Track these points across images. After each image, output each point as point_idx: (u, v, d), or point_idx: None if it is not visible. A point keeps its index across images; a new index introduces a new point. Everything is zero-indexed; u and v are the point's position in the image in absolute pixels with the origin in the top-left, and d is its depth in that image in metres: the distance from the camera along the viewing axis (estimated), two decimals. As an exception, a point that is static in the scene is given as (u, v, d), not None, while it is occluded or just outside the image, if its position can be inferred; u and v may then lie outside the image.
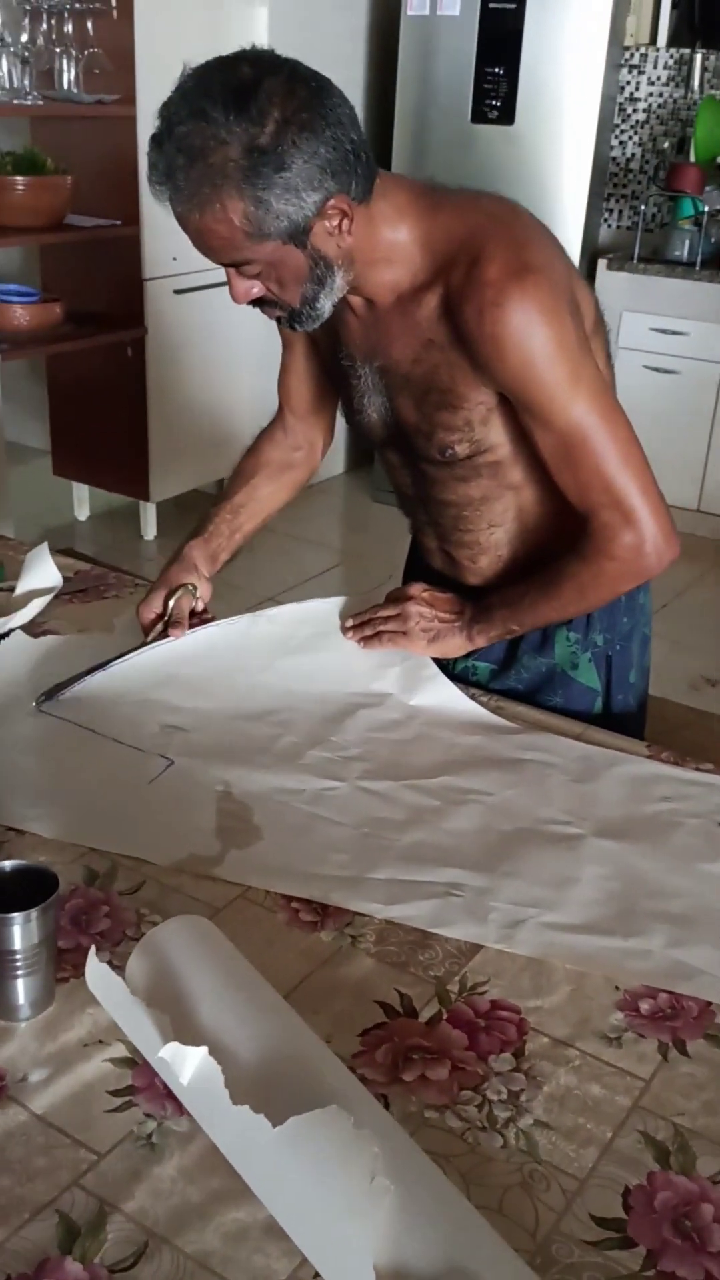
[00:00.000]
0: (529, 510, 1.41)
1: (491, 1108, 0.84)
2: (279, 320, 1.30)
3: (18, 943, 0.87)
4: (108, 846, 1.11)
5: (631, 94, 4.41)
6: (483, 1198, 0.77)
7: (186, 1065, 0.77)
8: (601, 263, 4.21)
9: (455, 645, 1.43)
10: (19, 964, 0.88)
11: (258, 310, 1.28)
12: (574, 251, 4.08)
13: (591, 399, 1.24)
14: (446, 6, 3.95)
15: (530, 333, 1.19)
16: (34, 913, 0.87)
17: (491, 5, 3.88)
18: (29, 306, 3.52)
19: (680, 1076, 0.88)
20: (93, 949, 0.88)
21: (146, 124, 3.55)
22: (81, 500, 4.20)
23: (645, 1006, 0.95)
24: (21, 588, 1.54)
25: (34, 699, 1.33)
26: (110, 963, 0.95)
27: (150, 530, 4.03)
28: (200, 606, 1.48)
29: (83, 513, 4.21)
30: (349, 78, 4.26)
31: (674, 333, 4.13)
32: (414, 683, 1.40)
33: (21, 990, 0.89)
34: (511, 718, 1.37)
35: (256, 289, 1.22)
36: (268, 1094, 0.76)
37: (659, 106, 4.39)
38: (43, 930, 0.88)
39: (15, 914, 0.86)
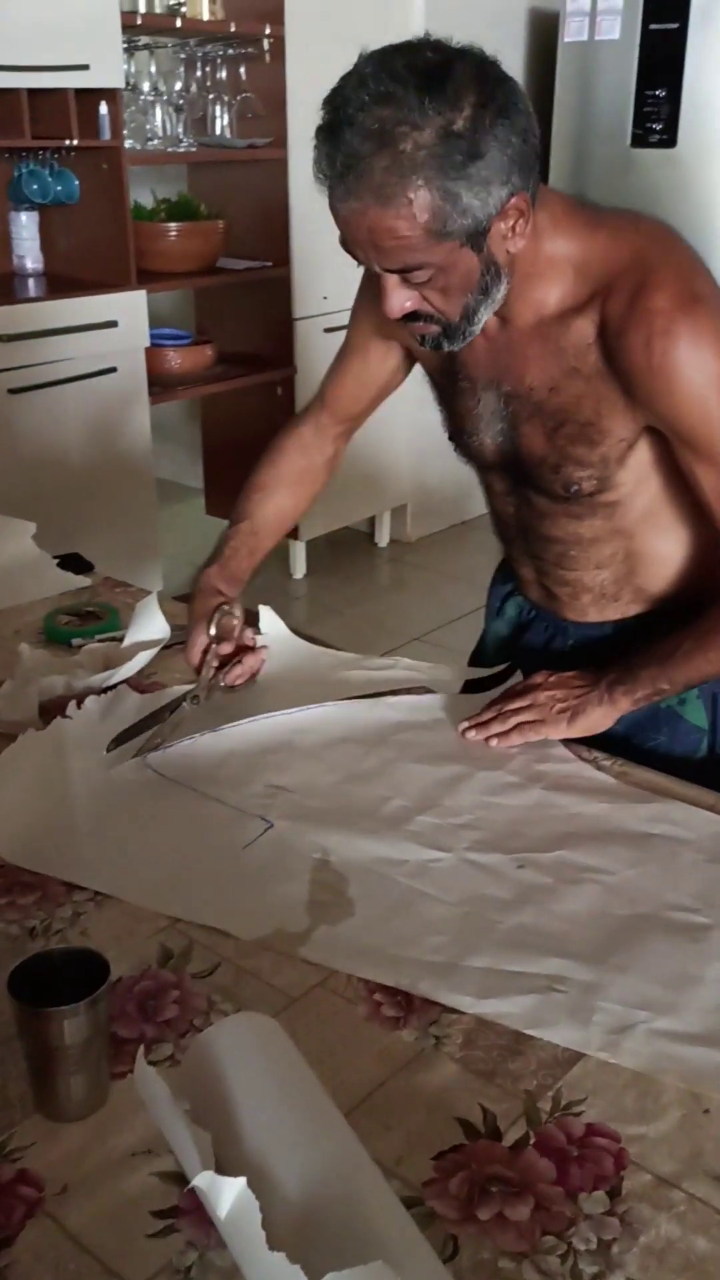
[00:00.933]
0: (637, 556, 1.33)
1: (577, 1259, 0.73)
2: (423, 339, 1.21)
3: (66, 1038, 0.81)
4: (191, 915, 1.04)
5: None
6: None
7: (223, 1197, 0.68)
8: (771, 286, 4.00)
9: (599, 716, 1.28)
10: (68, 1060, 0.82)
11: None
12: (741, 275, 3.89)
13: None
14: (606, 31, 3.84)
15: (702, 365, 1.13)
16: (82, 1006, 0.80)
17: (653, 27, 3.76)
18: (181, 349, 3.55)
19: None
20: (141, 1051, 0.81)
21: (298, 165, 3.58)
22: (233, 540, 4.21)
23: (772, 1139, 0.82)
24: (129, 639, 1.50)
25: (136, 751, 1.28)
26: (172, 1056, 0.89)
27: (300, 569, 4.01)
28: (239, 629, 1.41)
29: (235, 552, 4.22)
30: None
31: None
32: (538, 753, 1.29)
33: (71, 1089, 0.82)
34: (638, 784, 1.25)
35: (413, 301, 1.14)
36: (311, 1237, 0.67)
37: None
38: (93, 1024, 0.81)
39: (63, 1008, 0.80)
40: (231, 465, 4.03)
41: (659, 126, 3.84)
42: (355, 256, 1.13)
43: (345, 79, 1.06)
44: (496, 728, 1.29)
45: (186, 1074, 0.83)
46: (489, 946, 1.00)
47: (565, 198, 1.21)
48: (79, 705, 1.36)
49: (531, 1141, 0.81)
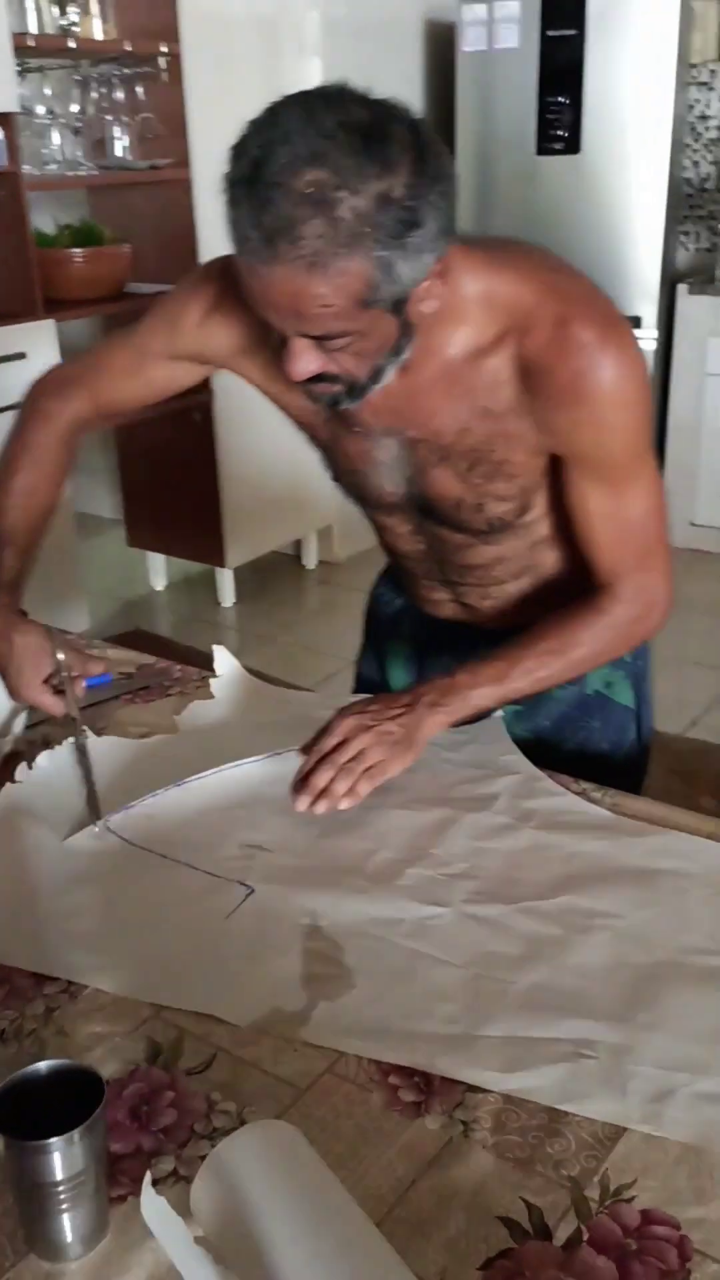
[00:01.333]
0: (551, 557, 1.34)
1: None
2: (319, 397, 1.13)
3: (59, 1172, 0.71)
4: (178, 1002, 0.95)
5: (702, 112, 4.23)
6: None
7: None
8: (681, 288, 4.01)
9: (432, 726, 1.21)
10: (63, 1196, 0.72)
11: None
12: (652, 277, 3.90)
13: (652, 458, 1.21)
14: (504, 39, 3.83)
15: (632, 394, 1.13)
16: (76, 1134, 0.71)
17: (551, 34, 3.75)
18: (93, 378, 3.43)
19: None
20: (148, 1178, 0.71)
21: (202, 187, 3.49)
22: (157, 570, 4.10)
23: None
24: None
25: (94, 820, 1.18)
26: (175, 1172, 0.80)
27: (229, 597, 3.92)
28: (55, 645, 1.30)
29: (159, 582, 4.11)
30: (406, 121, 4.16)
31: (765, 355, 3.91)
32: (526, 789, 1.22)
33: (68, 1226, 0.73)
34: (633, 814, 1.18)
35: (321, 364, 1.06)
36: None
37: (732, 122, 4.20)
38: (89, 1152, 0.72)
39: (53, 1139, 0.70)
40: (150, 495, 3.95)
41: (563, 133, 3.83)
42: (267, 319, 1.05)
43: (264, 130, 0.96)
44: (342, 787, 1.16)
45: (200, 1196, 0.74)
46: (504, 1012, 0.93)
47: (458, 237, 1.14)
48: (29, 766, 1.26)
49: (585, 1238, 0.74)
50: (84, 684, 1.34)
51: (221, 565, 3.83)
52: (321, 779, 1.16)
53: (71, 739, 1.29)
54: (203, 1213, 0.73)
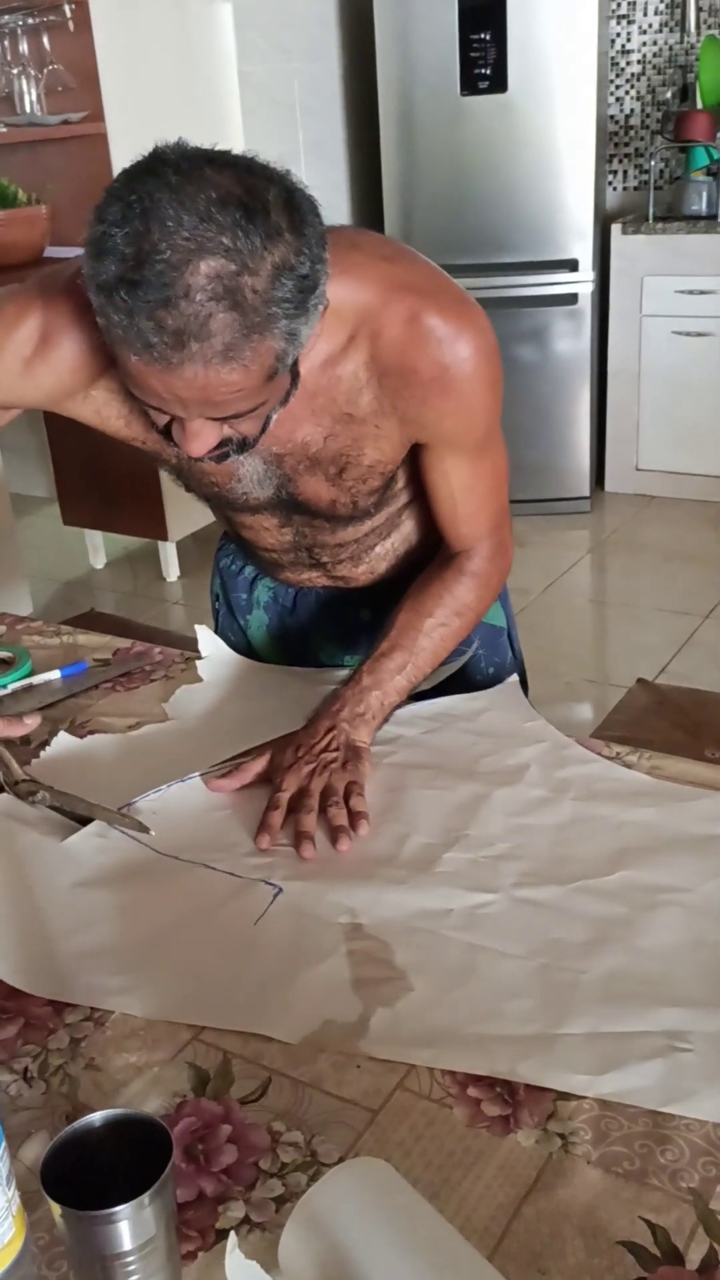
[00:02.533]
0: (412, 515, 1.32)
1: None
2: (204, 458, 1.02)
3: (128, 1241, 0.62)
4: (220, 1022, 0.86)
5: (624, 46, 4.14)
6: None
7: None
8: (615, 228, 3.94)
9: (363, 735, 1.17)
10: (132, 1267, 0.63)
11: None
12: (585, 218, 3.82)
13: (499, 429, 1.20)
14: (420, -24, 3.69)
15: (492, 373, 1.12)
16: (146, 1198, 0.61)
17: (468, -32, 3.62)
18: (17, 350, 3.27)
19: None
20: (232, 1239, 0.62)
21: (119, 140, 3.33)
22: (96, 548, 3.95)
23: None
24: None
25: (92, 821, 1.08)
26: (248, 1219, 0.70)
27: (173, 571, 3.78)
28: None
29: (99, 560, 3.97)
30: (324, 69, 4.01)
31: (701, 292, 3.85)
32: (557, 757, 1.14)
33: (138, 1300, 0.63)
34: (674, 777, 1.11)
35: (218, 435, 0.98)
36: None
37: (654, 55, 4.12)
38: (160, 1215, 0.63)
39: (122, 1207, 0.61)
40: (84, 471, 3.79)
41: (487, 72, 3.71)
42: (161, 409, 0.96)
43: (128, 222, 0.86)
44: (341, 817, 1.07)
45: (291, 1250, 0.64)
46: (583, 1005, 0.85)
47: None
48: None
49: (722, 1259, 0.66)
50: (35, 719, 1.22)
51: (164, 539, 3.69)
52: (309, 825, 1.06)
53: (34, 800, 1.12)
54: (296, 1268, 0.64)
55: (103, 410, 1.16)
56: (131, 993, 0.89)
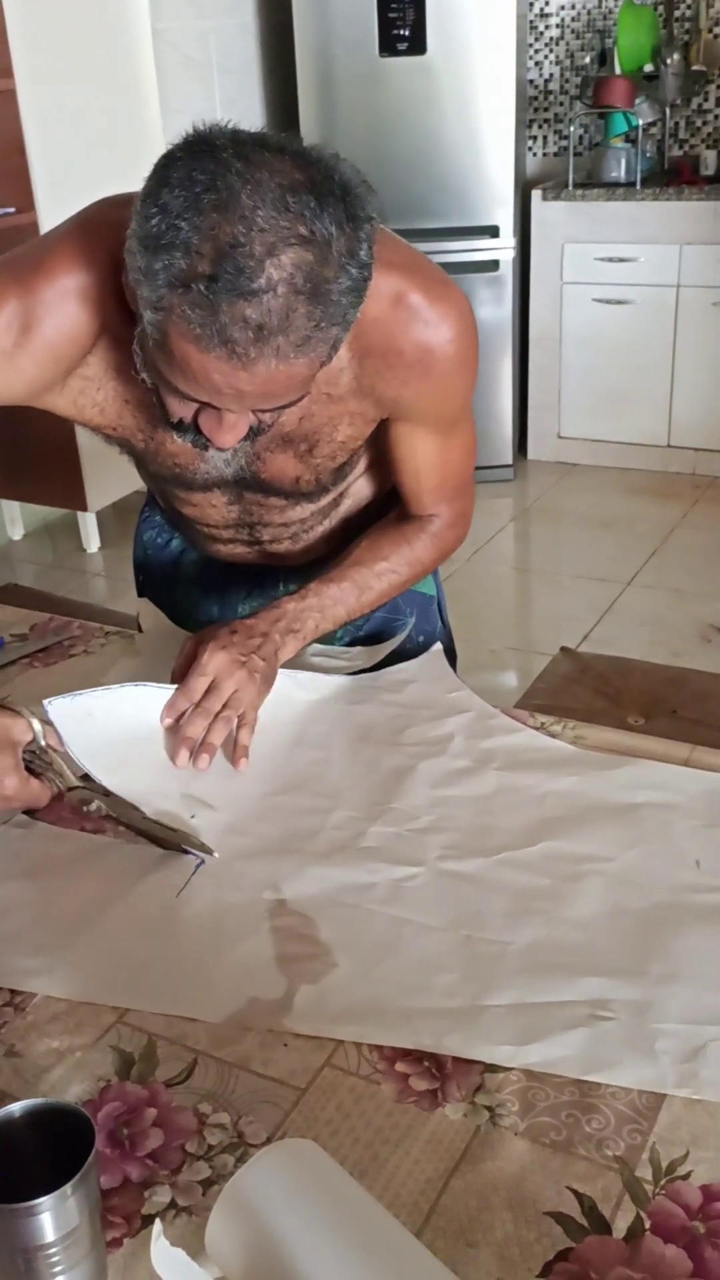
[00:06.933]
0: (359, 489, 1.30)
1: None
2: (202, 444, 0.99)
3: (50, 1233, 0.61)
4: (142, 1004, 0.84)
5: (542, 9, 4.12)
6: None
7: None
8: (535, 194, 3.93)
9: (287, 652, 1.17)
10: (56, 1259, 0.61)
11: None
12: (505, 184, 3.80)
13: (470, 406, 1.19)
14: (336, -66, 3.63)
15: (471, 352, 1.11)
16: (69, 1188, 0.60)
17: None
18: None
19: None
20: (158, 1227, 0.62)
21: (29, 95, 3.22)
22: (14, 519, 3.87)
23: None
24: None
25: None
26: (174, 1203, 0.70)
27: (93, 542, 3.72)
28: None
29: (16, 532, 3.89)
30: (239, 25, 3.93)
31: (622, 259, 3.87)
32: (481, 726, 1.14)
33: (63, 1291, 0.62)
34: (598, 746, 1.11)
35: (246, 427, 0.96)
36: None
37: (573, 20, 4.11)
38: (83, 1205, 0.62)
39: (44, 1199, 0.59)
40: (11, 441, 3.70)
41: (405, 33, 3.67)
42: (197, 402, 0.93)
43: (204, 208, 0.83)
44: (219, 737, 1.08)
45: (217, 1235, 0.64)
46: (507, 977, 0.85)
47: None
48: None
49: (647, 1226, 0.67)
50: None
51: (83, 509, 3.63)
52: (196, 730, 1.07)
53: (90, 809, 1.03)
54: (223, 1253, 0.64)
55: (79, 400, 1.12)
56: (50, 973, 0.87)
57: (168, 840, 0.99)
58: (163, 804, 1.03)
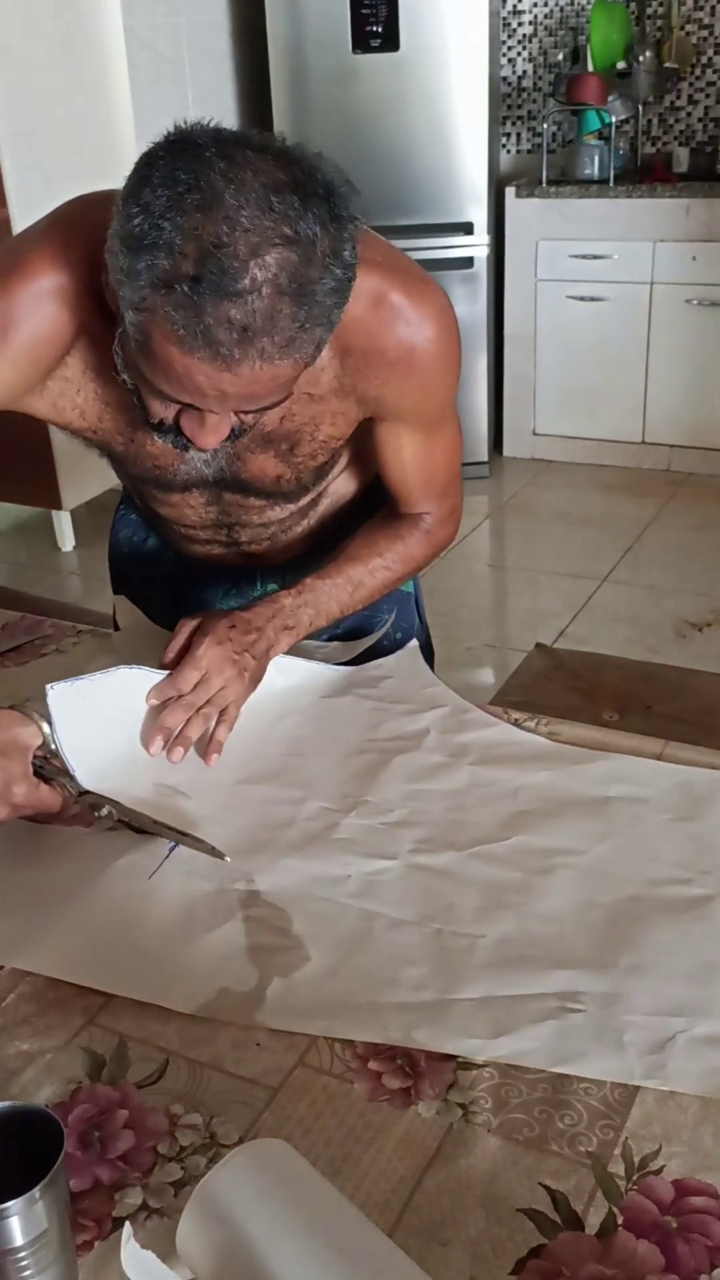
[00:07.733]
0: (338, 488, 1.30)
1: None
2: (183, 445, 0.99)
3: (19, 1237, 0.60)
4: (110, 986, 0.84)
5: (515, 6, 4.12)
6: None
7: None
8: (509, 191, 3.94)
9: (279, 650, 1.16)
10: (25, 1263, 0.61)
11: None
12: (479, 181, 3.81)
13: (454, 404, 1.20)
14: (308, -70, 3.62)
15: (453, 351, 1.12)
16: (37, 1191, 0.60)
17: None
18: None
19: None
20: (127, 1229, 0.61)
21: None
22: (-13, 517, 3.86)
23: None
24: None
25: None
26: (145, 1205, 0.69)
27: (68, 541, 3.71)
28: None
29: (-10, 530, 3.87)
30: (212, 20, 3.92)
31: (596, 257, 3.88)
32: (456, 721, 1.13)
33: (31, 1296, 0.62)
34: (572, 741, 1.11)
35: (228, 428, 0.95)
36: None
37: (545, 17, 4.11)
38: (53, 1208, 0.61)
39: (11, 1202, 0.59)
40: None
41: (378, 29, 3.67)
42: (179, 404, 0.92)
43: (187, 208, 0.82)
44: (195, 732, 1.07)
45: (188, 1237, 0.63)
46: (476, 970, 0.85)
47: None
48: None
49: (620, 1222, 0.67)
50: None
51: (57, 508, 3.61)
52: (175, 720, 1.07)
53: (100, 814, 1.03)
54: (194, 1255, 0.63)
55: (59, 402, 1.11)
56: (20, 946, 0.87)
57: (179, 839, 0.98)
58: (137, 792, 1.02)
